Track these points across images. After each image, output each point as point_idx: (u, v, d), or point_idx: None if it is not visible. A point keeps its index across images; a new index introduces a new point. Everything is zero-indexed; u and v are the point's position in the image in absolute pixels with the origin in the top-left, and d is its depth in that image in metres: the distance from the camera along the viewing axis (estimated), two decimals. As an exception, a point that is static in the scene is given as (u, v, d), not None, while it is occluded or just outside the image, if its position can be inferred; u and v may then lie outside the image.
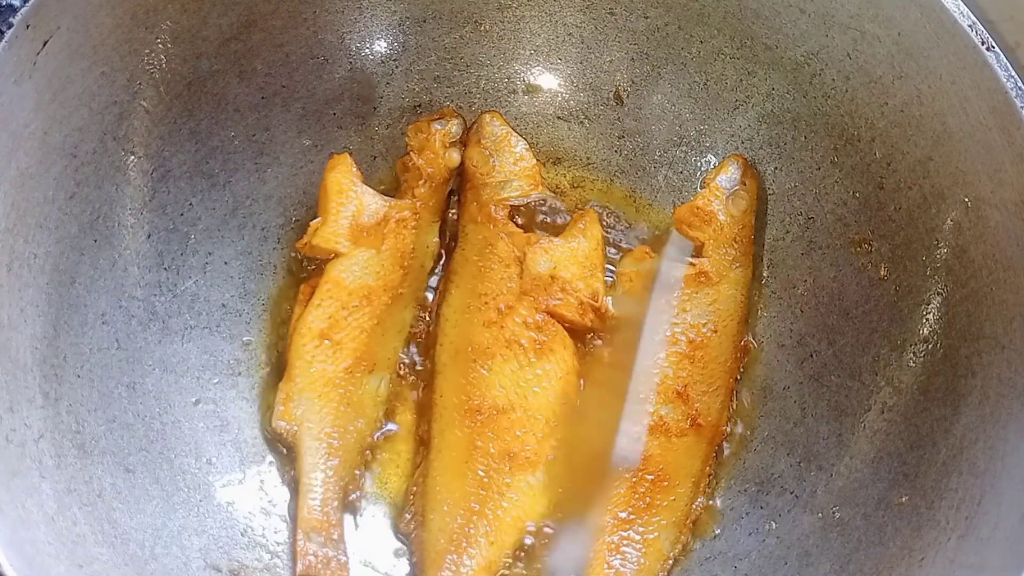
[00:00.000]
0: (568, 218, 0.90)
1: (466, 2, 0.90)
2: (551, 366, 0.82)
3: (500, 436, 0.80)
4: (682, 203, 0.89)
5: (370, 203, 0.86)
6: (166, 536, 0.76)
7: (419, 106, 0.92)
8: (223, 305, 0.85)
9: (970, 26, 0.73)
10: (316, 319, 0.82)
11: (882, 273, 0.83)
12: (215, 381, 0.84)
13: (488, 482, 0.79)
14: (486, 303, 0.83)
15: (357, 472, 0.82)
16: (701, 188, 0.89)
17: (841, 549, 0.77)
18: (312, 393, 0.81)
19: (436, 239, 0.88)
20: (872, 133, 0.82)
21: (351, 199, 0.85)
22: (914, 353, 0.80)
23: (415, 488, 0.81)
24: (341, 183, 0.85)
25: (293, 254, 0.88)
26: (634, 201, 0.92)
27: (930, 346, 0.79)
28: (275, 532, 0.81)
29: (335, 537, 0.79)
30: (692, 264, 0.86)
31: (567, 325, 0.84)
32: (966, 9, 0.74)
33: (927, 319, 0.79)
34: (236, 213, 0.87)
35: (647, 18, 0.89)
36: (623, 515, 0.80)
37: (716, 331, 0.84)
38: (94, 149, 0.77)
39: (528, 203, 0.88)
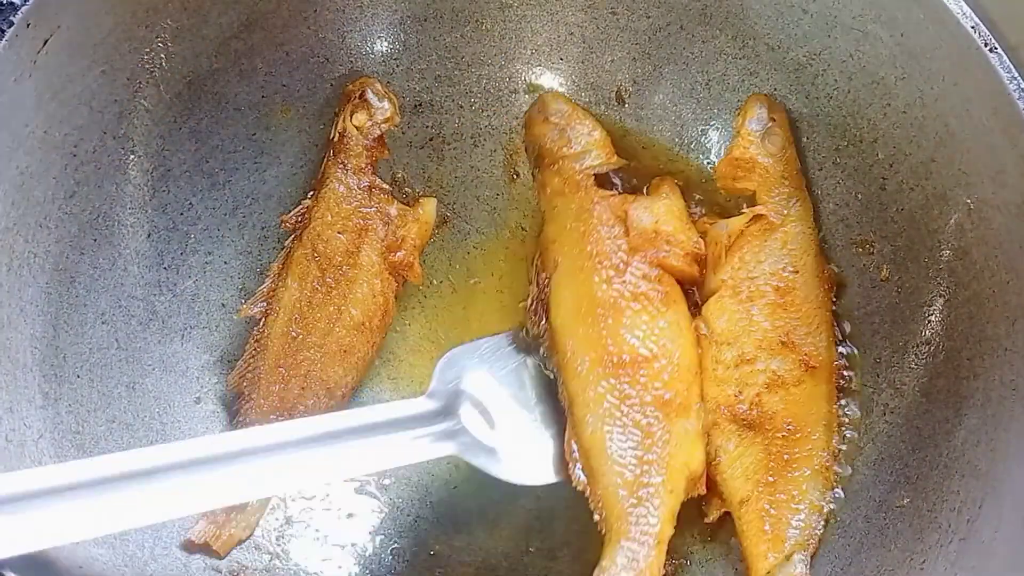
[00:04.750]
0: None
1: (467, 1, 0.90)
2: (678, 315, 0.81)
3: (650, 385, 0.79)
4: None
5: None
6: (165, 537, 0.76)
7: (420, 105, 0.92)
8: (223, 305, 0.85)
9: (973, 27, 0.73)
10: None
11: (884, 274, 0.83)
12: (215, 381, 0.84)
13: (652, 430, 0.78)
14: (600, 262, 0.82)
15: None
16: (733, 138, 0.88)
17: (842, 551, 0.77)
18: None
19: None
20: (874, 134, 0.82)
21: None
22: (916, 355, 0.80)
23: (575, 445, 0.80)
24: None
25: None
26: (635, 201, 0.92)
27: (932, 348, 0.79)
28: (274, 532, 0.81)
29: None
30: (746, 213, 0.85)
31: (676, 276, 0.84)
32: (969, 10, 0.73)
33: (929, 321, 0.79)
34: (236, 212, 0.87)
35: (649, 18, 0.89)
36: (769, 479, 0.79)
37: (797, 271, 0.83)
38: (94, 148, 0.77)
39: (608, 171, 0.88)
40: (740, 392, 0.81)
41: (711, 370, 0.82)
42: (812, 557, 0.78)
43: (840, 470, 0.81)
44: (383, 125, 0.89)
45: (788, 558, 0.77)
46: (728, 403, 0.81)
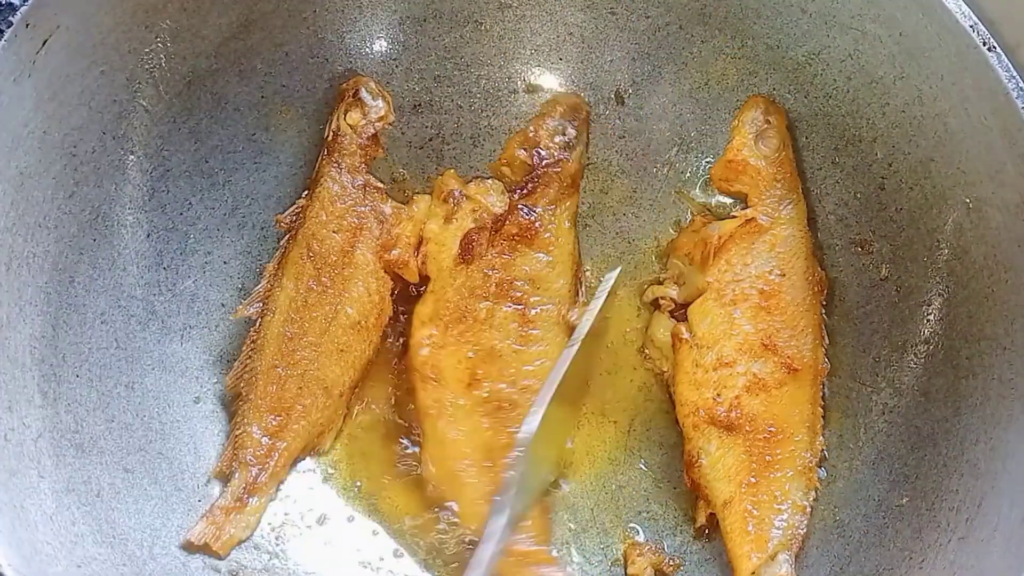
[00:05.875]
0: None
1: (467, 1, 0.90)
2: None
3: None
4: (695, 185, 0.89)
5: None
6: (165, 536, 0.76)
7: (419, 105, 0.92)
8: (222, 305, 0.85)
9: (971, 26, 0.73)
10: None
11: (883, 274, 0.83)
12: (214, 380, 0.84)
13: None
14: None
15: None
16: (730, 140, 0.88)
17: (841, 551, 0.77)
18: None
19: None
20: (873, 133, 0.82)
21: None
22: (915, 354, 0.80)
23: None
24: None
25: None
26: (634, 201, 0.92)
27: (931, 347, 0.79)
28: (274, 532, 0.81)
29: None
30: (738, 216, 0.85)
31: None
32: (967, 9, 0.73)
33: (928, 320, 0.79)
34: (236, 212, 0.87)
35: (648, 17, 0.89)
36: (751, 480, 0.79)
37: (784, 274, 0.83)
38: (93, 148, 0.77)
39: None
40: (718, 395, 0.81)
41: (690, 373, 0.82)
42: (796, 556, 0.78)
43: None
44: (377, 123, 0.89)
45: (772, 558, 0.77)
46: (706, 406, 0.81)
